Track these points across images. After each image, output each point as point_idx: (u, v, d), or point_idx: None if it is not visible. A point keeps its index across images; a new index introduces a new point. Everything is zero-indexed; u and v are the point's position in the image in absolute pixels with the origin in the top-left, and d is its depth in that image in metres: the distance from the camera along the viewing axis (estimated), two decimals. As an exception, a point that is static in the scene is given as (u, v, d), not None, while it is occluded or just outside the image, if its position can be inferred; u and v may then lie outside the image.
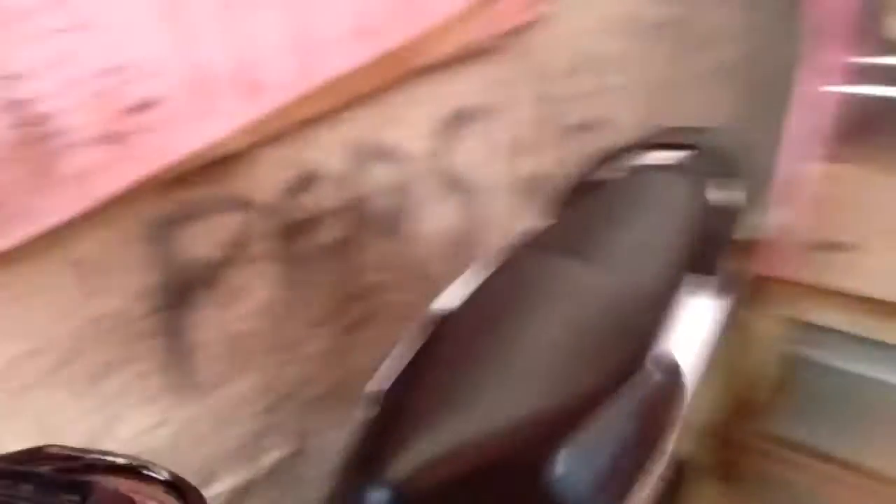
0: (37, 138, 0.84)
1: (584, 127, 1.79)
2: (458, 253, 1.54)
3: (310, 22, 1.08)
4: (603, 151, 1.23)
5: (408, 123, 1.37)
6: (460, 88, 1.46)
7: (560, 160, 1.73)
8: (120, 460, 0.54)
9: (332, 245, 1.29)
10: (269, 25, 1.04)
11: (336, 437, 1.38)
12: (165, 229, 1.04)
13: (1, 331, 0.90)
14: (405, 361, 0.89)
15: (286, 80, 1.10)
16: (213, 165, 1.06)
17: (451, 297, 0.97)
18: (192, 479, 1.15)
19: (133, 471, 0.53)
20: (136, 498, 0.47)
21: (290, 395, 1.28)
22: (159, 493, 0.52)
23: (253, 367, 1.22)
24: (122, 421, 1.06)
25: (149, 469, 0.54)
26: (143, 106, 0.94)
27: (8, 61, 0.79)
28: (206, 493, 1.19)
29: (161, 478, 0.53)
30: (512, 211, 1.64)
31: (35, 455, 0.53)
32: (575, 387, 0.83)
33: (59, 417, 0.98)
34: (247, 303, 1.18)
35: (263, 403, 1.25)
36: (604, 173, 1.20)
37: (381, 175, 1.36)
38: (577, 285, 0.95)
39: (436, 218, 1.48)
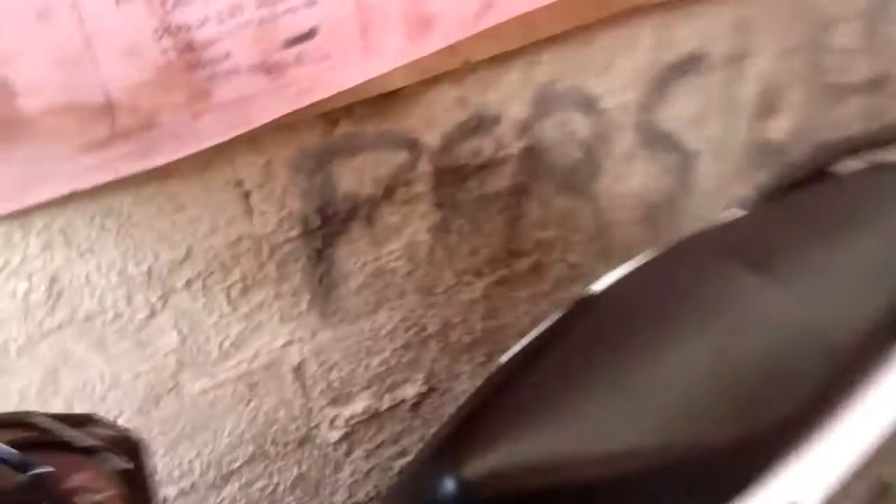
0: (195, 64, 0.84)
1: (852, 88, 1.44)
2: (651, 222, 1.36)
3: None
4: (845, 138, 0.96)
5: (616, 70, 1.19)
6: (690, 32, 1.23)
7: (809, 128, 1.42)
8: (83, 442, 0.53)
9: (500, 194, 1.20)
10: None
11: (471, 387, 1.36)
12: (324, 160, 1.02)
13: (161, 236, 0.97)
14: (534, 343, 0.80)
15: (463, 14, 0.99)
16: (377, 101, 1.01)
17: (612, 282, 0.84)
18: (322, 397, 1.19)
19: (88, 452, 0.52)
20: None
21: (430, 336, 1.26)
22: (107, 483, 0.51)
23: (397, 305, 1.20)
24: (260, 333, 1.11)
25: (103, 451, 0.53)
26: (303, 38, 0.90)
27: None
28: (337, 412, 1.25)
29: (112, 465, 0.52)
30: (729, 182, 1.40)
31: (11, 421, 0.54)
32: (707, 435, 0.69)
33: (202, 320, 1.05)
34: (399, 242, 1.15)
35: (402, 340, 1.24)
36: (834, 163, 0.94)
37: (571, 125, 1.21)
38: (752, 308, 0.77)
39: (630, 179, 1.31)
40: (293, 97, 0.93)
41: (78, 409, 0.99)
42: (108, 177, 0.86)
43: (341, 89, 0.95)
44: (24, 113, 0.77)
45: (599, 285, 0.83)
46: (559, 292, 1.31)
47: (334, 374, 1.21)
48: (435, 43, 0.99)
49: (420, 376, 1.28)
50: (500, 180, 1.19)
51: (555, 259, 1.30)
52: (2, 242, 0.86)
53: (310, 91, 0.94)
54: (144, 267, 0.97)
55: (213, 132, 0.90)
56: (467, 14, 0.99)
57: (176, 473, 1.11)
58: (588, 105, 1.20)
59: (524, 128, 1.16)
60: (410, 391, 1.29)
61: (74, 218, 0.90)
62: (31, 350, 0.92)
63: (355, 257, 1.13)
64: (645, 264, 0.84)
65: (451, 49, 1.01)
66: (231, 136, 0.91)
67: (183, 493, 1.12)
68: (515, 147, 1.17)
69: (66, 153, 0.82)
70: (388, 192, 1.10)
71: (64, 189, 0.85)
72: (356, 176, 1.06)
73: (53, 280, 0.91)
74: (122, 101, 0.81)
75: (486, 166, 1.17)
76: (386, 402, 1.27)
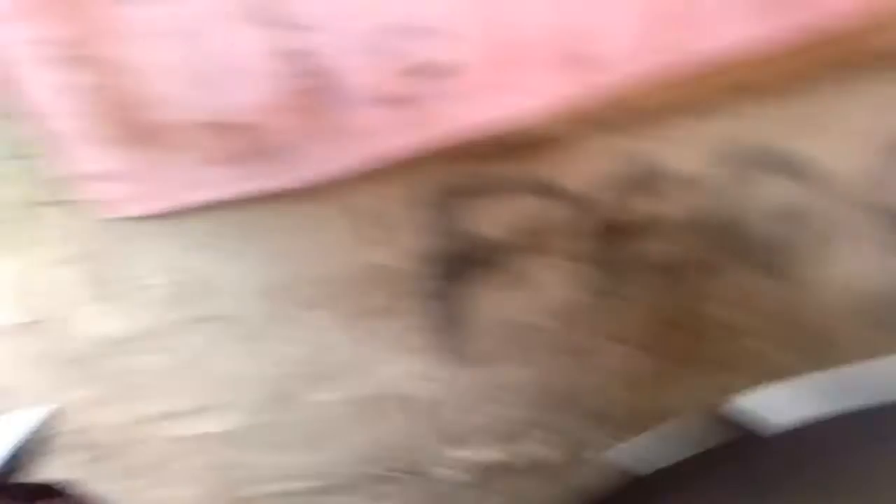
0: (318, 90, 0.84)
1: None
2: (870, 323, 1.08)
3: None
4: None
5: (835, 131, 0.95)
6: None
7: None
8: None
9: (668, 260, 1.03)
10: (608, -10, 0.80)
11: (596, 459, 1.21)
12: (452, 198, 0.97)
13: (300, 253, 1.00)
14: (688, 467, 0.68)
15: (630, 57, 0.86)
16: (518, 143, 0.93)
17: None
18: (440, 434, 1.16)
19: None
20: None
21: (562, 397, 1.14)
22: None
23: (530, 360, 1.11)
24: (385, 361, 1.09)
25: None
26: (436, 70, 0.85)
27: (295, 12, 0.79)
28: (453, 452, 1.19)
29: None
30: None
31: None
32: None
33: (330, 337, 1.06)
34: (541, 295, 1.06)
35: (530, 395, 1.14)
36: None
37: (771, 192, 1.00)
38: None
39: (847, 264, 1.05)
40: (421, 131, 0.89)
41: (204, 398, 1.07)
42: (237, 193, 0.90)
43: (477, 127, 0.89)
44: (159, 126, 0.83)
45: (760, 406, 0.67)
46: (720, 379, 1.11)
47: (455, 415, 1.15)
48: (597, 85, 0.88)
49: (542, 435, 1.17)
50: (671, 245, 1.03)
51: (724, 342, 1.10)
52: (153, 239, 0.94)
53: (440, 126, 0.89)
54: (281, 278, 1.01)
55: (338, 160, 0.90)
56: (639, 56, 0.86)
57: (281, 474, 1.14)
58: (797, 171, 0.99)
59: (708, 188, 0.99)
60: (530, 448, 1.19)
61: (220, 225, 0.96)
62: (166, 338, 1.01)
63: (489, 303, 1.06)
64: (852, 415, 0.65)
65: (617, 93, 0.89)
66: (357, 165, 0.90)
67: (286, 494, 1.16)
68: (693, 209, 1.00)
69: (199, 167, 0.87)
70: (521, 240, 1.01)
71: (197, 199, 0.90)
72: (484, 219, 0.99)
73: (196, 278, 0.98)
74: (248, 121, 0.84)
75: (654, 227, 1.02)
76: (503, 454, 1.19)
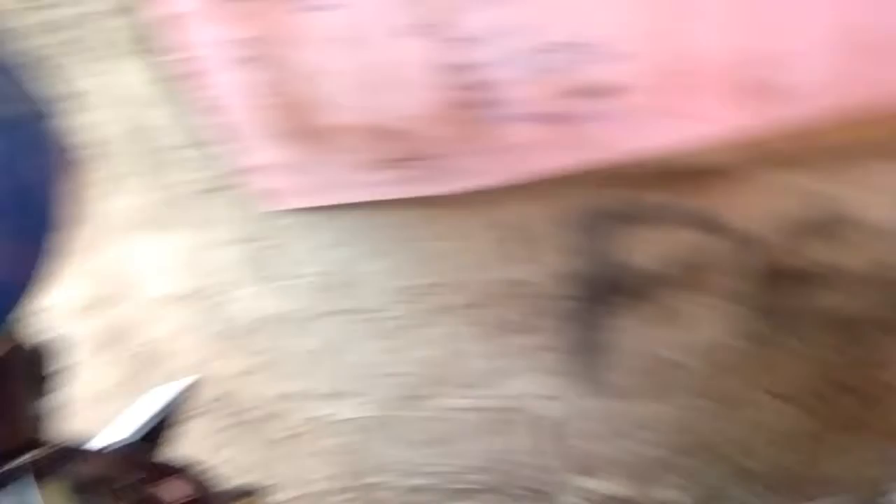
0: (476, 103, 0.84)
1: None
2: None
3: (872, 13, 0.69)
4: None
5: None
6: None
7: None
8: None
9: (839, 314, 0.92)
10: (802, 12, 0.71)
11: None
12: (603, 223, 0.93)
13: (442, 258, 1.00)
14: None
15: (821, 89, 0.76)
16: (682, 172, 0.86)
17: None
18: (569, 461, 1.13)
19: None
20: None
21: (702, 444, 1.06)
22: None
23: (670, 399, 1.04)
24: (517, 376, 1.07)
25: None
26: (599, 91, 0.81)
27: (457, 23, 0.78)
28: (581, 482, 1.15)
29: None
30: None
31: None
32: None
33: (465, 345, 1.06)
34: (682, 332, 0.99)
35: (668, 437, 1.07)
36: None
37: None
38: None
39: None
40: (578, 151, 0.85)
41: (340, 385, 1.11)
42: (389, 195, 0.92)
43: (638, 152, 0.84)
44: (324, 126, 0.86)
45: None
46: (890, 454, 0.97)
47: (586, 444, 1.11)
48: (780, 118, 0.80)
49: (676, 481, 1.10)
50: (848, 298, 0.92)
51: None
52: (307, 231, 0.99)
53: (600, 148, 0.85)
54: (422, 281, 1.02)
55: (490, 173, 0.89)
56: (832, 89, 0.77)
57: (406, 470, 1.16)
58: None
59: (886, 237, 0.87)
60: (661, 490, 1.12)
61: (369, 223, 0.99)
62: (311, 324, 1.06)
63: (632, 334, 1.00)
64: None
65: (802, 127, 0.80)
66: (508, 180, 0.89)
67: (411, 490, 1.18)
68: (878, 262, 0.89)
69: (357, 167, 0.89)
70: (686, 276, 0.95)
71: (352, 198, 0.93)
72: (644, 248, 0.93)
73: (342, 271, 1.02)
74: (406, 129, 0.85)
75: (830, 277, 0.91)
76: (632, 491, 1.13)
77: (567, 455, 1.12)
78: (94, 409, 0.80)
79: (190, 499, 0.54)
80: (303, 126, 0.88)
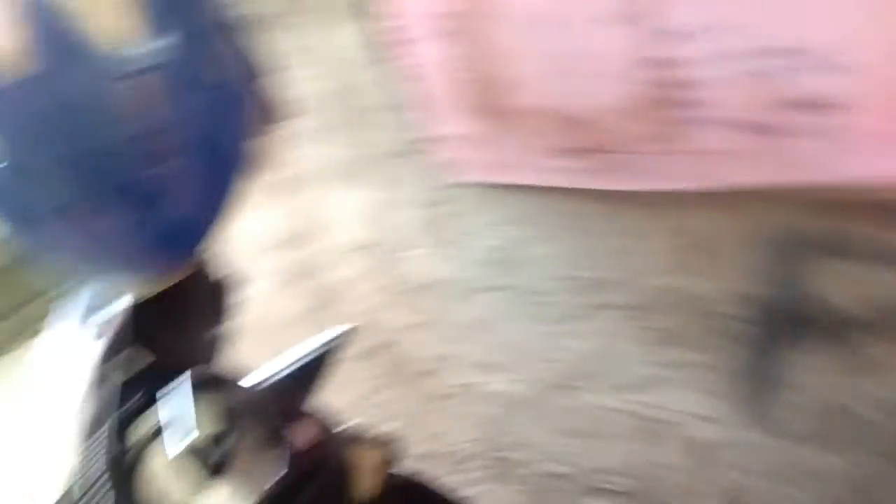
0: (674, 102, 0.79)
1: None
2: None
3: None
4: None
5: None
6: None
7: None
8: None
9: None
10: None
11: None
12: (800, 250, 0.83)
13: (611, 254, 0.97)
14: None
15: None
16: (904, 209, 0.75)
17: None
18: (715, 489, 1.08)
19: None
20: None
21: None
22: None
23: (845, 454, 0.93)
24: (674, 390, 1.02)
25: None
26: (814, 104, 0.72)
27: (665, 15, 0.74)
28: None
29: None
30: None
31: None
32: None
33: (621, 346, 1.03)
34: (872, 382, 0.87)
35: (838, 494, 0.96)
36: None
37: None
38: None
39: None
40: (783, 169, 0.77)
41: (495, 358, 1.13)
42: (570, 183, 0.91)
43: (851, 178, 0.74)
44: (514, 106, 0.86)
45: None
46: None
47: (740, 477, 1.04)
48: None
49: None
50: None
51: None
52: (483, 205, 1.01)
53: (807, 168, 0.76)
54: (590, 274, 1.00)
55: (679, 176, 0.84)
56: None
57: (545, 455, 1.16)
58: None
59: None
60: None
61: (542, 207, 0.98)
62: (474, 295, 1.08)
63: (816, 378, 0.91)
64: None
65: None
66: (698, 187, 0.83)
67: (545, 475, 1.18)
68: None
69: (541, 151, 0.89)
70: (873, 318, 0.83)
71: (533, 180, 0.93)
72: (844, 285, 0.83)
73: (510, 248, 1.03)
74: (595, 119, 0.83)
75: None
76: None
77: (716, 482, 1.05)
78: (271, 338, 0.89)
79: (317, 441, 0.58)
80: (494, 103, 0.89)
